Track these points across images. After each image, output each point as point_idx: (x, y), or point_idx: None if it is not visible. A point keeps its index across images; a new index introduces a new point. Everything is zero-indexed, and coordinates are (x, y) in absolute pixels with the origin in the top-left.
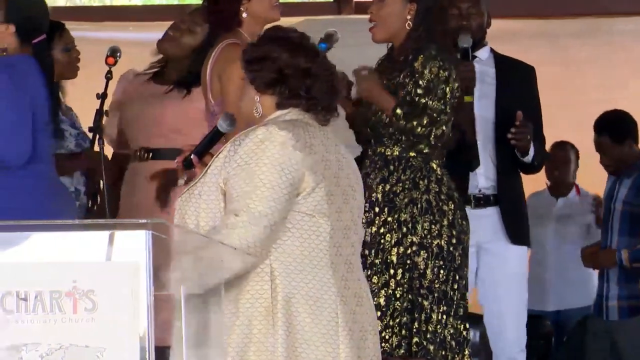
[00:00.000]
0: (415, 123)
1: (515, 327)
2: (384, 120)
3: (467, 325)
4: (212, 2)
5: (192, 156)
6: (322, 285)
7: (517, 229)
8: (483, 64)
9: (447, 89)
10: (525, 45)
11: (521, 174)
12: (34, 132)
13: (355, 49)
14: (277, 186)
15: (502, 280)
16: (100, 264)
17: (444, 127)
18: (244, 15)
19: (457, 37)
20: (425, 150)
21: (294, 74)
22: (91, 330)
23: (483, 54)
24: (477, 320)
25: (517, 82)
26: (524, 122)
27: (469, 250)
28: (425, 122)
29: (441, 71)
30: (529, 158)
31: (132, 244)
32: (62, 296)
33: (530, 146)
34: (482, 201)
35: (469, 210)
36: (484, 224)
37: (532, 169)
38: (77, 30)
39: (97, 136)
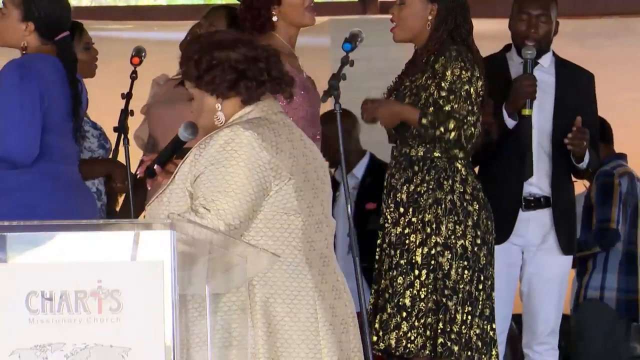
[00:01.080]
0: (442, 129)
1: (550, 330)
2: (412, 131)
3: (494, 326)
4: (245, 6)
5: (155, 166)
6: (299, 282)
7: (567, 237)
8: (544, 72)
9: (472, 89)
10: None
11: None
12: (47, 131)
13: (380, 49)
14: (243, 186)
15: (543, 286)
16: (125, 263)
17: (472, 129)
18: (275, 19)
19: (522, 46)
20: (460, 155)
21: (248, 66)
22: (116, 330)
23: (545, 60)
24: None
25: (576, 90)
26: (582, 128)
27: (514, 248)
28: (452, 126)
29: (463, 72)
30: (583, 164)
31: (157, 244)
32: (87, 296)
33: (586, 152)
34: (532, 203)
35: (519, 212)
36: (533, 226)
37: (584, 176)
38: (101, 30)
39: (122, 136)
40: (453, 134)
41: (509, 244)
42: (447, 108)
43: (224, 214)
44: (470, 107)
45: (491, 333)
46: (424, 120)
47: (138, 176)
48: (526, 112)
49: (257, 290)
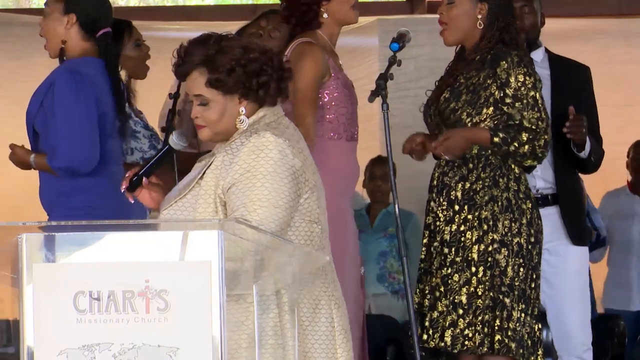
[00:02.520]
0: (517, 144)
1: (579, 327)
2: (486, 150)
3: (541, 326)
4: (293, 3)
5: (142, 178)
6: (319, 290)
7: (577, 229)
8: (538, 66)
9: (537, 95)
10: (603, 43)
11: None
12: (102, 135)
13: (428, 48)
14: (280, 195)
15: (563, 280)
16: (173, 263)
17: (545, 136)
18: (325, 16)
19: None
20: (534, 164)
21: (272, 69)
22: (164, 330)
23: (538, 55)
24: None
25: (572, 83)
26: (578, 115)
27: None
28: (524, 139)
29: (527, 78)
30: (585, 153)
31: (205, 244)
32: (135, 296)
33: (587, 140)
34: (540, 201)
35: None
36: (544, 223)
37: (589, 167)
38: (148, 30)
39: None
40: (527, 147)
41: None
42: (517, 118)
43: (266, 224)
44: (538, 114)
45: (538, 332)
46: (496, 139)
47: (122, 190)
48: None
49: (284, 296)
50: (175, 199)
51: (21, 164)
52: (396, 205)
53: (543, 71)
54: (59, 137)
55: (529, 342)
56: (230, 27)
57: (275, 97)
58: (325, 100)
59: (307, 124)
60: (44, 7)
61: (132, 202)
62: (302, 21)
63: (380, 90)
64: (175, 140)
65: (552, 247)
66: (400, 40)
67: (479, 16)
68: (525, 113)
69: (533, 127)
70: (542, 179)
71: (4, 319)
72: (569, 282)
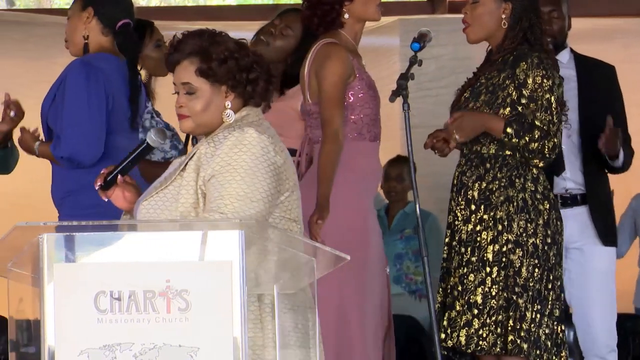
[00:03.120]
0: (527, 139)
1: (604, 327)
2: (504, 150)
3: (564, 327)
4: (315, 3)
5: (117, 176)
6: (298, 289)
7: (606, 230)
8: (564, 67)
9: (552, 98)
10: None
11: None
12: (111, 131)
13: (449, 48)
14: (259, 190)
15: (590, 280)
16: (193, 263)
17: (555, 139)
18: (346, 16)
19: None
20: (540, 165)
21: (263, 68)
22: (185, 330)
23: (564, 56)
24: (570, 320)
25: (598, 83)
26: (614, 128)
27: None
28: (537, 136)
29: (544, 80)
30: (618, 162)
31: (225, 244)
32: (156, 296)
33: (620, 150)
34: (569, 201)
35: None
36: (572, 223)
37: (620, 171)
38: (170, 30)
39: (191, 136)
40: (537, 144)
41: None
42: (530, 117)
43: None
44: (550, 117)
45: (561, 334)
46: (509, 130)
47: (96, 187)
48: None
49: (266, 298)
50: (157, 190)
51: (27, 149)
52: (417, 205)
53: (569, 71)
54: (65, 127)
55: (548, 343)
56: (251, 26)
57: (261, 98)
58: (350, 101)
59: (335, 125)
60: (66, 7)
61: (105, 200)
62: (324, 21)
63: (401, 90)
64: (153, 138)
65: (579, 247)
66: (421, 40)
67: (503, 16)
68: (538, 114)
69: (544, 127)
70: (571, 180)
71: (25, 318)
72: (596, 283)
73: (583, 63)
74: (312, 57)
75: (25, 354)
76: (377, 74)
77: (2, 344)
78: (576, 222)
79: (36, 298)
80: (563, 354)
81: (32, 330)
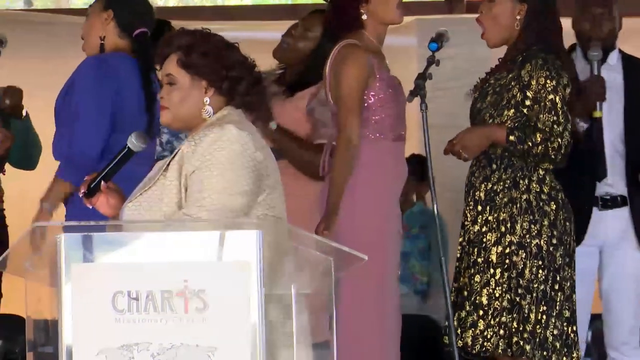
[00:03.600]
0: (530, 144)
1: (630, 327)
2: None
3: (575, 328)
4: (333, 4)
5: (100, 182)
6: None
7: None
8: (611, 70)
9: (557, 98)
10: None
11: None
12: (119, 131)
13: (466, 48)
14: (238, 185)
15: (624, 280)
16: (211, 263)
17: (560, 140)
18: (364, 17)
19: (588, 47)
20: (550, 167)
21: (249, 73)
22: (202, 330)
23: (612, 58)
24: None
25: None
26: None
27: (590, 251)
28: (538, 139)
29: (548, 81)
30: None
31: (243, 244)
32: (173, 296)
33: None
34: (609, 202)
35: (595, 212)
36: (611, 225)
37: None
38: None
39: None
40: (540, 147)
41: (584, 247)
42: (533, 120)
43: (219, 212)
44: (555, 118)
45: (572, 335)
46: (511, 137)
47: (80, 195)
48: (596, 114)
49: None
50: (141, 191)
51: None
52: (435, 205)
53: (616, 75)
54: (75, 122)
55: (557, 344)
56: (268, 26)
57: (242, 100)
58: (371, 101)
59: (349, 131)
60: (84, 7)
61: (90, 207)
62: (343, 22)
63: (419, 90)
64: (134, 142)
65: (617, 249)
66: (439, 40)
67: (518, 17)
68: (541, 116)
69: (547, 129)
70: (613, 187)
71: (43, 318)
72: (628, 285)
73: (631, 65)
74: (332, 59)
75: (43, 354)
76: (394, 73)
77: (20, 344)
78: (616, 223)
79: (54, 298)
80: (574, 354)
81: (49, 330)
